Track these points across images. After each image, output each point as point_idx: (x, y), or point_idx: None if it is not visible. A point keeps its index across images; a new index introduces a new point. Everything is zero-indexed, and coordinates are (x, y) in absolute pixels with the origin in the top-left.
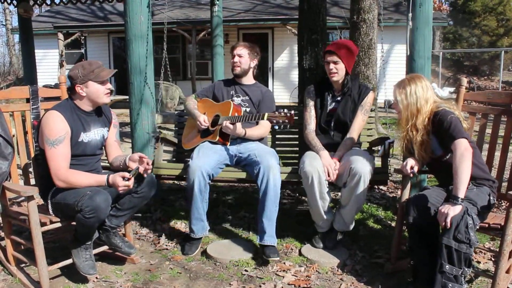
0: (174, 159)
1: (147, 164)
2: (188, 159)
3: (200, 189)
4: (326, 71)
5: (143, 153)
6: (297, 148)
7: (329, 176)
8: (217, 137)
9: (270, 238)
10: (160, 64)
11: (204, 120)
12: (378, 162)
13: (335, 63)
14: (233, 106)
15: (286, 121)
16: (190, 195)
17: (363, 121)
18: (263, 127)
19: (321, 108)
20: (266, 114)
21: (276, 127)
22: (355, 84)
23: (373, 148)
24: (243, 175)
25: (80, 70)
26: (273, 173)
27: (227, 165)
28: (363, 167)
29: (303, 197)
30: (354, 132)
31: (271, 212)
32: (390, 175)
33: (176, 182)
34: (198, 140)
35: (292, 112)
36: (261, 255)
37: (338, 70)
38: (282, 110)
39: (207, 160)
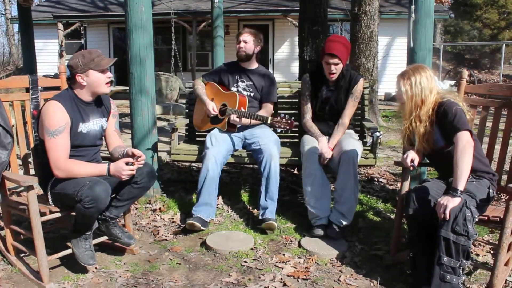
0: (187, 138)
1: (138, 158)
2: (199, 139)
3: (213, 176)
4: (324, 68)
5: (143, 143)
6: (297, 134)
7: (320, 161)
8: (226, 127)
9: (271, 214)
10: (160, 55)
11: (213, 109)
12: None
13: (335, 64)
14: (239, 98)
15: (287, 127)
16: (203, 181)
17: (353, 106)
18: (266, 113)
19: (316, 97)
20: (269, 118)
21: (278, 131)
22: (346, 74)
23: (365, 135)
24: (245, 160)
25: (80, 59)
26: (274, 162)
27: (234, 150)
28: (352, 153)
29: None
30: (345, 118)
31: (273, 193)
32: (376, 159)
33: (176, 173)
34: (209, 126)
35: (293, 119)
36: (260, 228)
37: (337, 71)
38: (284, 116)
39: (220, 150)
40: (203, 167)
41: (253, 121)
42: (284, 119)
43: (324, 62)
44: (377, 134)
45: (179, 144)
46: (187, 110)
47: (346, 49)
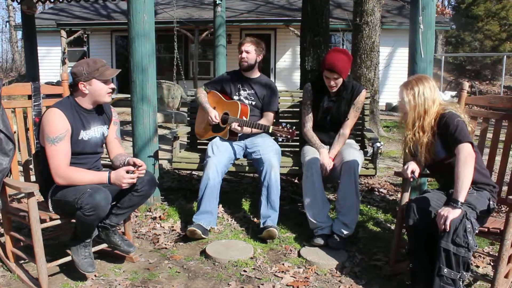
0: (189, 146)
1: (139, 167)
2: (200, 147)
3: (214, 184)
4: (325, 81)
5: (144, 151)
6: (298, 143)
7: (322, 172)
8: (228, 136)
9: (272, 222)
10: (162, 63)
11: (215, 116)
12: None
13: (335, 79)
14: (241, 107)
15: (289, 136)
16: (204, 189)
17: (355, 117)
18: (267, 122)
19: (318, 106)
20: (271, 128)
21: (280, 140)
22: (348, 85)
23: (366, 145)
24: (246, 169)
25: (85, 67)
26: (274, 172)
27: (235, 159)
28: (353, 163)
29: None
30: (346, 128)
31: (274, 202)
32: (377, 169)
33: (177, 181)
34: (210, 134)
35: (294, 128)
36: (260, 237)
37: (337, 84)
38: (285, 125)
39: (221, 158)
40: (204, 176)
41: (254, 130)
42: (285, 128)
43: (324, 75)
44: (378, 144)
45: (180, 152)
46: (188, 118)
47: (347, 63)
